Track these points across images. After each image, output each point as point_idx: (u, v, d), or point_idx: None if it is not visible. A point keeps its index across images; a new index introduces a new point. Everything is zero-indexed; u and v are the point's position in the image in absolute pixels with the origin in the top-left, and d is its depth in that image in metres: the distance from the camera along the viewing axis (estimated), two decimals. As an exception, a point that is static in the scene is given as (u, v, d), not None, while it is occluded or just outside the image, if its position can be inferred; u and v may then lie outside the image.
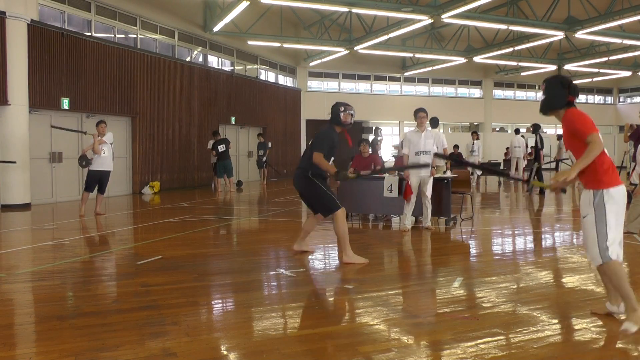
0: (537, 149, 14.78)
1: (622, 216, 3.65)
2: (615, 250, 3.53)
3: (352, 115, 5.93)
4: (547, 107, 3.83)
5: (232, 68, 20.66)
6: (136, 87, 15.25)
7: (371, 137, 14.34)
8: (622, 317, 3.76)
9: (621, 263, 3.61)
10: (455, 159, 6.59)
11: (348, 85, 27.17)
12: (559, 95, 3.74)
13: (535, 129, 14.71)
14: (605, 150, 3.59)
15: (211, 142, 16.35)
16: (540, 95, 3.90)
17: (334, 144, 5.84)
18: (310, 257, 6.32)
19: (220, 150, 15.82)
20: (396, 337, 3.63)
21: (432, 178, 8.21)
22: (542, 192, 14.28)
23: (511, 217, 10.55)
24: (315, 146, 5.75)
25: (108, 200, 12.79)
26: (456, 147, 19.41)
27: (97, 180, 10.02)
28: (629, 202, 9.33)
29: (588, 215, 3.58)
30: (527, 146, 18.43)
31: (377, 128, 14.64)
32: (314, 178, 5.78)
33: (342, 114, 5.88)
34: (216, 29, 17.86)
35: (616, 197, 3.55)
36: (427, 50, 23.17)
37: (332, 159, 5.86)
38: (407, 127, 27.84)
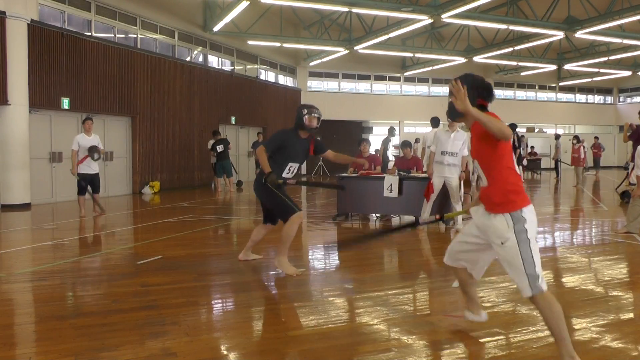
0: (514, 149, 14.75)
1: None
2: (543, 278, 3.03)
3: (318, 118, 5.36)
4: (452, 112, 3.18)
5: (232, 68, 20.65)
6: (136, 87, 15.25)
7: (384, 137, 14.30)
8: (471, 317, 3.61)
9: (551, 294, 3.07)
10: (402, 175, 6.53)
11: (348, 85, 27.17)
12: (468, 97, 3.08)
13: (511, 128, 14.67)
14: (516, 168, 3.15)
15: (211, 142, 16.36)
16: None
17: (288, 147, 5.32)
18: (310, 257, 6.32)
19: (218, 151, 15.82)
20: (396, 336, 3.63)
21: (458, 180, 7.97)
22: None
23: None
24: (263, 142, 5.36)
25: (108, 200, 12.79)
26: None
27: (87, 183, 10.01)
28: (627, 202, 9.34)
29: (508, 241, 3.02)
30: (527, 145, 18.41)
31: (392, 128, 14.60)
32: (267, 184, 5.29)
33: (305, 117, 5.31)
34: (216, 28, 17.86)
35: (533, 217, 3.07)
36: (427, 50, 23.17)
37: (292, 165, 5.43)
38: (407, 127, 27.88)
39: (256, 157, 19.01)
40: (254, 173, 19.87)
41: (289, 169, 5.46)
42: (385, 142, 13.94)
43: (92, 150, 9.92)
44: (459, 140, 7.96)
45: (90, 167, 10.01)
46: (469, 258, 3.46)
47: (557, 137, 21.93)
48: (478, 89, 3.15)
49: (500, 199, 3.06)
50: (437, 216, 3.51)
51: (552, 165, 22.91)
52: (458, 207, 8.04)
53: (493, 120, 2.86)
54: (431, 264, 6.28)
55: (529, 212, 3.05)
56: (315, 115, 5.34)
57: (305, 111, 5.35)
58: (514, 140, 14.49)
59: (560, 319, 2.98)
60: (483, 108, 3.11)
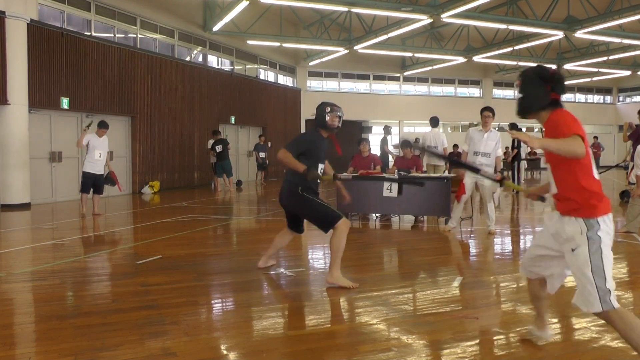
0: (513, 149, 14.73)
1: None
2: (614, 295, 2.75)
3: (339, 117, 5.11)
4: (524, 109, 2.97)
5: (232, 68, 20.65)
6: (136, 87, 15.25)
7: (381, 136, 14.29)
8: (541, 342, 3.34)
9: (627, 310, 2.83)
10: (453, 160, 6.16)
11: (347, 85, 27.17)
12: (538, 92, 2.90)
13: (512, 128, 14.64)
14: (596, 174, 2.86)
15: (210, 142, 16.36)
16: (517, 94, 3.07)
17: (316, 149, 5.03)
18: (310, 256, 6.32)
19: (217, 151, 15.84)
20: (396, 336, 3.63)
21: (490, 182, 7.54)
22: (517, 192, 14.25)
23: (511, 216, 10.55)
24: (287, 144, 4.98)
25: (108, 200, 12.79)
26: (456, 146, 19.40)
27: (91, 182, 10.06)
28: (627, 202, 9.34)
29: (579, 248, 2.77)
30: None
31: (387, 127, 14.59)
32: (304, 193, 4.95)
33: (328, 116, 5.05)
34: (216, 28, 17.85)
35: (610, 226, 2.81)
36: (427, 50, 23.17)
37: (321, 166, 5.11)
38: (406, 127, 27.88)
39: (250, 156, 18.99)
40: (254, 173, 19.89)
41: (321, 171, 5.13)
42: (384, 142, 13.95)
43: (108, 181, 10.30)
44: (492, 141, 7.73)
45: (96, 167, 10.04)
46: (542, 267, 3.16)
47: None
48: (551, 82, 2.89)
49: (577, 204, 2.80)
50: (499, 177, 3.08)
51: None
52: (490, 208, 7.83)
53: (564, 143, 2.65)
54: (431, 264, 6.28)
55: (606, 221, 2.79)
56: (338, 113, 5.10)
57: (328, 109, 5.07)
58: (513, 140, 14.46)
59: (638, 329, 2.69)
60: (556, 103, 2.90)
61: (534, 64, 4.24)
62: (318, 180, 4.91)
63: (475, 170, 3.60)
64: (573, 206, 2.82)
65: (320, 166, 5.10)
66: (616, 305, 2.71)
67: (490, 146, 7.73)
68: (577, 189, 2.80)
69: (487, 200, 7.86)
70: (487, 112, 7.76)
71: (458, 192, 8.03)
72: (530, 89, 2.93)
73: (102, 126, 10.15)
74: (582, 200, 2.79)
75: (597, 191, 2.80)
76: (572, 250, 2.80)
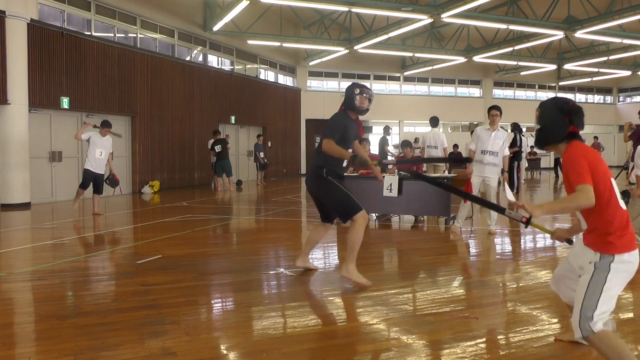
0: (513, 147, 14.61)
1: (622, 286, 2.81)
2: (603, 320, 2.70)
3: (369, 100, 4.90)
4: (542, 140, 3.00)
5: (232, 67, 20.64)
6: (136, 87, 15.25)
7: (380, 136, 14.30)
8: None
9: (610, 331, 2.77)
10: (416, 174, 5.96)
11: (348, 85, 27.14)
12: (556, 125, 2.89)
13: (514, 128, 14.61)
14: (621, 202, 2.80)
15: (210, 142, 16.37)
16: (536, 120, 3.01)
17: (347, 131, 4.87)
18: (309, 256, 6.31)
19: (217, 151, 15.85)
20: (396, 336, 3.63)
21: (497, 181, 7.68)
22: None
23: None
24: (324, 133, 4.79)
25: (108, 200, 12.79)
26: (456, 146, 19.41)
27: (91, 180, 10.04)
28: (627, 202, 9.34)
29: (585, 274, 2.78)
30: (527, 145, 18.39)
31: (387, 127, 14.61)
32: (329, 176, 4.84)
33: (357, 98, 4.86)
34: (216, 28, 17.85)
35: (627, 266, 2.74)
36: (427, 50, 23.17)
37: (349, 150, 4.96)
38: (406, 127, 27.88)
39: (250, 156, 18.96)
40: (254, 173, 19.89)
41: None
42: (383, 141, 13.94)
43: (111, 183, 10.25)
44: (500, 140, 7.69)
45: (97, 166, 10.02)
46: (567, 286, 3.13)
47: None
48: (570, 115, 2.86)
49: (596, 238, 2.78)
50: (524, 219, 2.83)
51: (552, 165, 22.95)
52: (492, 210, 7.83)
53: (567, 202, 2.75)
54: (431, 264, 6.28)
55: (626, 259, 2.72)
56: (367, 95, 4.88)
57: (357, 91, 4.87)
58: (515, 139, 14.42)
59: (621, 353, 2.62)
60: (574, 135, 2.87)
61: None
62: (359, 166, 4.72)
63: (495, 206, 3.35)
64: (590, 240, 2.81)
65: (349, 150, 5.00)
66: (596, 329, 2.65)
67: (497, 145, 7.69)
68: (598, 223, 2.76)
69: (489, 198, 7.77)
70: (495, 110, 7.72)
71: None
72: (549, 120, 2.92)
73: (105, 125, 10.12)
74: (601, 236, 2.75)
75: (617, 227, 2.72)
76: (579, 276, 2.84)
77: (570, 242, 3.21)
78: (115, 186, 10.42)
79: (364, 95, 4.88)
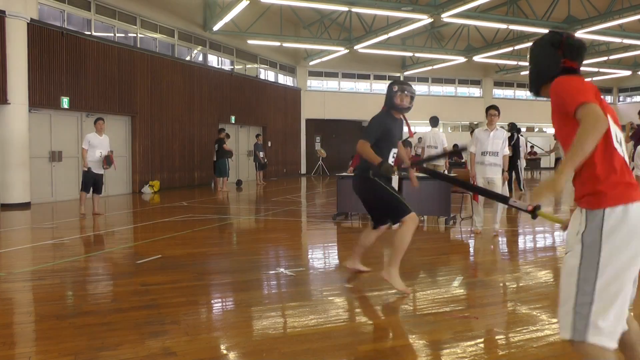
0: (515, 149, 14.53)
1: (637, 268, 2.06)
2: (603, 328, 1.98)
3: (411, 97, 4.75)
4: (533, 81, 2.52)
5: (232, 67, 20.64)
6: (136, 86, 15.24)
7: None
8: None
9: (608, 350, 2.01)
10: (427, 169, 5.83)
11: (348, 85, 27.16)
12: (547, 60, 2.40)
13: (512, 128, 14.57)
14: (617, 144, 2.14)
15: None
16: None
17: (388, 131, 4.73)
18: (310, 256, 6.32)
19: (216, 149, 15.92)
20: (396, 336, 3.63)
21: (501, 181, 7.63)
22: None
23: (511, 216, 10.54)
24: (362, 134, 4.68)
25: (108, 200, 12.78)
26: (455, 146, 19.39)
27: (91, 182, 10.03)
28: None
29: (570, 252, 2.16)
30: (526, 145, 18.41)
31: None
32: (376, 178, 4.69)
33: (397, 96, 4.72)
34: (216, 28, 17.85)
35: (627, 227, 2.02)
36: (427, 50, 23.16)
37: (394, 151, 4.81)
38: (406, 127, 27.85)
39: (250, 156, 18.95)
40: (254, 173, 19.88)
41: (393, 157, 4.84)
42: None
43: (108, 162, 10.08)
44: (499, 139, 7.65)
45: (96, 166, 10.02)
46: None
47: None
48: (562, 46, 2.36)
49: (585, 188, 2.14)
50: (530, 207, 2.37)
51: (552, 165, 22.98)
52: (499, 208, 7.70)
53: (579, 140, 1.98)
54: (431, 264, 6.27)
55: (619, 213, 2.03)
56: (407, 92, 4.72)
57: (395, 88, 4.72)
58: (517, 138, 14.35)
59: None
60: (571, 71, 2.34)
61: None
62: (394, 170, 4.52)
63: (500, 197, 3.12)
64: (579, 194, 2.19)
65: (394, 150, 4.83)
66: (593, 340, 1.98)
67: (497, 145, 7.65)
68: (590, 173, 2.12)
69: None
70: (493, 110, 7.68)
71: (475, 194, 7.95)
72: (540, 56, 2.46)
73: (99, 120, 10.12)
74: (590, 185, 2.11)
75: (610, 171, 2.09)
76: (566, 253, 2.22)
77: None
78: (110, 165, 10.18)
79: (405, 92, 4.73)
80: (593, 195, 2.09)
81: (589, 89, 2.10)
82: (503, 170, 7.78)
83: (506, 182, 7.85)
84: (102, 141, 10.06)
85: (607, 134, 2.09)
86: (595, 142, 2.00)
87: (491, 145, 7.65)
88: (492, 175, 7.61)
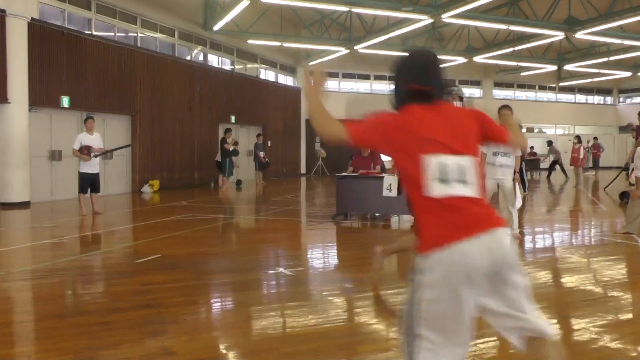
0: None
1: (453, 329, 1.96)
2: None
3: (460, 98, 4.45)
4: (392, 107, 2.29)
5: (232, 67, 20.64)
6: (136, 86, 15.24)
7: None
8: None
9: None
10: None
11: (348, 85, 27.16)
12: (396, 86, 2.25)
13: None
14: (436, 187, 1.92)
15: None
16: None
17: None
18: (309, 256, 6.32)
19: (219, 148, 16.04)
20: (395, 336, 3.63)
21: (511, 183, 7.35)
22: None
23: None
24: None
25: (108, 199, 12.78)
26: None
27: (89, 182, 10.01)
28: (627, 203, 9.33)
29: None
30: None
31: None
32: None
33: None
34: (216, 27, 17.84)
35: (434, 275, 1.89)
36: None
37: None
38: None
39: (250, 156, 18.94)
40: (254, 173, 19.87)
41: None
42: None
43: (89, 151, 9.96)
44: None
45: (90, 166, 10.01)
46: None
47: (550, 143, 22.90)
48: (401, 69, 2.21)
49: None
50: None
51: (557, 167, 23.01)
52: (513, 211, 7.43)
53: (321, 116, 2.06)
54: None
55: (431, 262, 1.90)
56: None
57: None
58: None
59: None
60: (420, 95, 2.10)
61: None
62: None
63: None
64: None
65: None
66: None
67: None
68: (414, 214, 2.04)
69: (509, 204, 7.36)
70: (506, 110, 7.49)
71: None
72: (393, 81, 2.26)
73: (88, 118, 10.13)
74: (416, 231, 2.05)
75: (422, 214, 1.97)
76: None
77: None
78: (95, 156, 10.10)
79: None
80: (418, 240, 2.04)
81: (371, 126, 2.11)
82: (515, 171, 7.65)
83: (517, 183, 7.72)
84: (94, 140, 10.04)
85: (416, 178, 1.97)
86: (316, 120, 2.11)
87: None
88: (502, 176, 7.31)
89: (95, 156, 10.02)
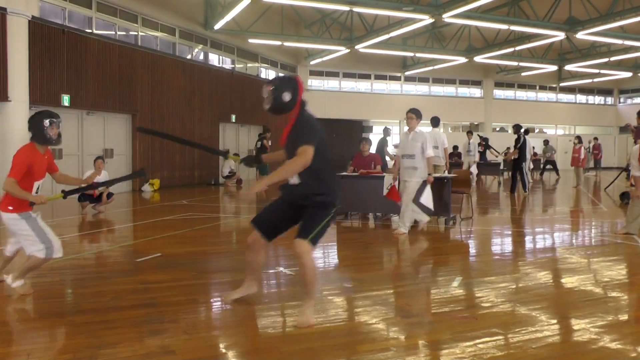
0: (521, 151, 14.44)
1: None
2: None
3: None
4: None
5: (233, 66, 20.64)
6: (137, 85, 15.24)
7: (379, 137, 14.32)
8: None
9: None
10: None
11: (349, 84, 27.16)
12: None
13: (517, 129, 14.57)
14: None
15: None
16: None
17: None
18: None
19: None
20: (395, 336, 3.63)
21: (414, 183, 7.53)
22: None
23: (510, 217, 10.54)
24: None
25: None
26: (455, 147, 19.41)
27: (86, 198, 10.00)
28: (627, 203, 9.33)
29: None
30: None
31: (386, 128, 14.65)
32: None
33: None
34: (217, 26, 17.84)
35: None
36: (428, 50, 23.15)
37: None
38: (407, 127, 27.88)
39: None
40: (253, 172, 19.85)
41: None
42: (382, 142, 13.93)
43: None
44: (417, 142, 7.55)
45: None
46: None
47: (546, 142, 23.09)
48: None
49: None
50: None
51: (550, 167, 23.04)
52: (408, 210, 7.63)
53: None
54: (430, 264, 6.28)
55: None
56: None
57: None
58: (524, 141, 14.28)
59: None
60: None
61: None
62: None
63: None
64: None
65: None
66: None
67: (416, 147, 7.56)
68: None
69: (405, 203, 7.63)
70: (409, 113, 7.74)
71: (394, 195, 7.97)
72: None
73: (98, 159, 10.02)
74: None
75: None
76: None
77: None
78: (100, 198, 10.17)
79: None
80: None
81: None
82: (428, 174, 7.62)
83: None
84: (100, 179, 9.99)
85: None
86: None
87: (410, 147, 7.58)
88: (407, 178, 7.62)
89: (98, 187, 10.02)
